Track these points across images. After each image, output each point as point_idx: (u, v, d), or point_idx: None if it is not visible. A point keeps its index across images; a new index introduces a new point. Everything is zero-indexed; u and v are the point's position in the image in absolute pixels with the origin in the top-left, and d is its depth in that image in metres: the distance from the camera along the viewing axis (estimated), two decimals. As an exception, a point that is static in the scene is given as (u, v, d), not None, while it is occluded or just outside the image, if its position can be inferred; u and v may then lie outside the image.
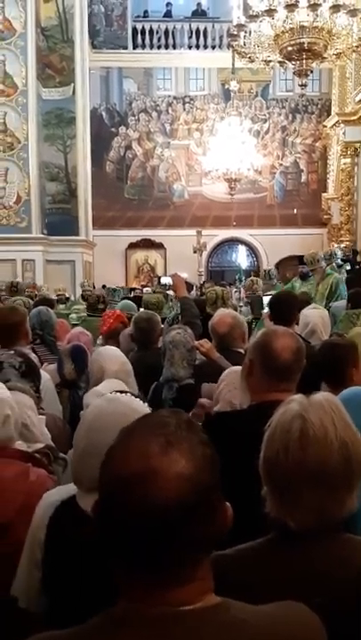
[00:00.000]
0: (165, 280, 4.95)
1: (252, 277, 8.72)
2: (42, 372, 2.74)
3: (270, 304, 3.59)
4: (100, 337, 4.62)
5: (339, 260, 7.89)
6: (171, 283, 4.95)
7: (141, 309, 4.15)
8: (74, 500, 1.33)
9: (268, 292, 6.75)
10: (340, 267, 7.79)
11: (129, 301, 6.47)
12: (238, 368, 2.33)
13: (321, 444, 1.13)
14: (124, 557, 0.80)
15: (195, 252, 12.95)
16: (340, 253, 8.02)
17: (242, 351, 2.86)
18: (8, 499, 1.49)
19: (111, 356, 2.65)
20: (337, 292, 6.72)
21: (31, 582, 1.36)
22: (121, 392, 1.48)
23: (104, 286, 11.39)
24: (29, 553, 1.38)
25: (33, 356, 2.52)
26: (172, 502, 0.75)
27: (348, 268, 7.80)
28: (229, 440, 1.59)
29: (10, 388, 1.81)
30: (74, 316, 7.09)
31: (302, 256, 7.80)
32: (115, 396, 1.42)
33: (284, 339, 1.82)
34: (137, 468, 0.76)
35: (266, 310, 3.87)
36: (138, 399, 1.44)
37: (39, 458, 1.73)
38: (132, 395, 1.50)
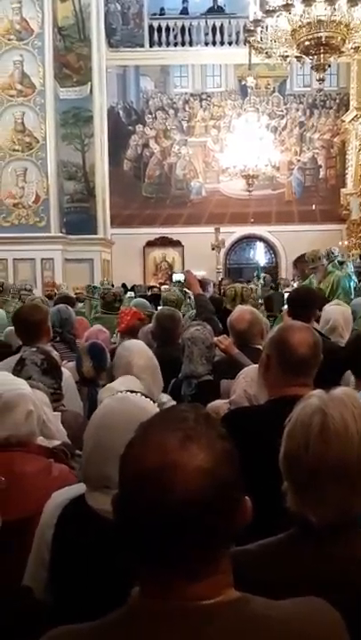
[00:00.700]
0: (178, 277, 4.92)
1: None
2: (63, 369, 2.76)
3: (289, 300, 3.57)
4: (117, 334, 4.64)
5: (339, 258, 7.80)
6: (183, 279, 4.96)
7: (161, 307, 4.15)
8: (82, 498, 1.33)
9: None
10: (341, 264, 7.69)
11: (142, 299, 6.49)
12: (256, 365, 2.33)
13: (342, 438, 1.12)
14: (143, 551, 0.80)
15: (213, 249, 12.90)
16: (337, 251, 7.92)
17: (261, 348, 2.85)
18: (31, 494, 1.51)
19: (139, 351, 2.62)
20: (338, 289, 6.63)
21: (37, 582, 1.35)
22: (132, 392, 1.48)
23: (123, 285, 11.44)
24: (37, 553, 1.38)
25: (55, 354, 2.54)
26: (192, 496, 0.75)
27: (351, 266, 7.69)
28: (246, 435, 1.59)
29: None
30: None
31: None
32: (124, 396, 1.41)
33: (300, 333, 1.81)
34: (156, 462, 0.77)
35: (286, 307, 3.85)
36: (148, 399, 1.44)
37: (61, 454, 1.75)
38: (144, 395, 1.49)
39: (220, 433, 0.83)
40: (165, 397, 2.67)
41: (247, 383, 2.31)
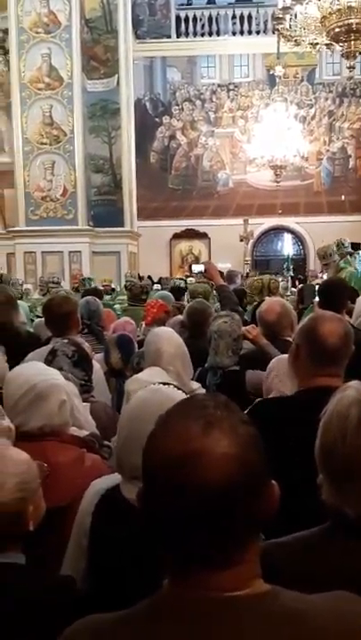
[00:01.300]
0: (198, 268, 4.85)
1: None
2: (93, 361, 2.77)
3: (320, 291, 3.52)
4: (143, 326, 4.64)
5: (349, 249, 7.59)
6: (203, 270, 4.88)
7: (195, 299, 4.13)
8: (118, 488, 1.34)
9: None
10: (350, 254, 7.49)
11: (165, 292, 6.49)
12: (285, 356, 2.31)
13: None
14: (170, 541, 0.80)
15: (241, 240, 12.83)
16: (348, 242, 7.70)
17: (290, 340, 2.82)
18: (65, 483, 1.52)
19: (168, 338, 2.61)
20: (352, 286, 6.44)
21: (77, 568, 1.37)
22: (165, 384, 1.49)
23: (149, 277, 11.48)
24: (76, 540, 1.41)
25: (86, 346, 2.55)
26: (217, 483, 0.75)
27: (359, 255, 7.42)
28: (276, 426, 1.57)
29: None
30: (117, 306, 7.17)
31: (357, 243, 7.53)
32: (157, 387, 1.43)
33: (331, 323, 1.78)
34: (179, 451, 0.76)
35: (317, 299, 3.79)
36: (180, 391, 1.44)
37: (93, 443, 1.76)
38: (176, 387, 1.50)
39: (242, 418, 0.82)
40: (196, 385, 2.67)
41: (282, 383, 2.28)
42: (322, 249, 7.14)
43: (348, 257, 7.34)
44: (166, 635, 0.77)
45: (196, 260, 17.04)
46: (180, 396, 1.40)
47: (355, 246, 7.39)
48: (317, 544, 1.15)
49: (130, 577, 1.21)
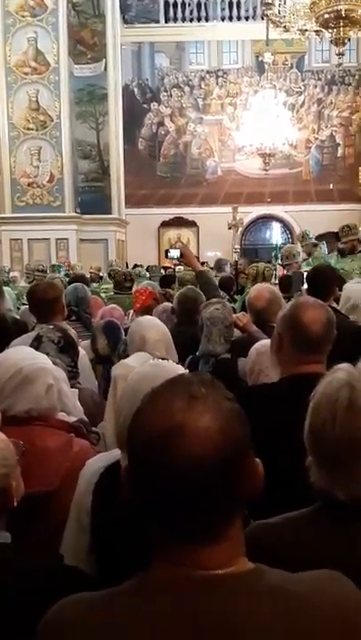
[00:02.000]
0: (173, 253, 4.77)
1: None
2: (79, 348, 2.75)
3: (308, 278, 3.52)
4: (132, 314, 4.63)
5: (313, 240, 7.62)
6: (179, 255, 4.80)
7: (186, 287, 4.08)
8: (118, 465, 1.35)
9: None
10: (315, 245, 7.53)
11: (150, 280, 6.48)
12: (262, 346, 2.32)
13: None
14: (156, 517, 0.80)
15: (230, 228, 12.79)
16: (312, 233, 7.72)
17: (279, 325, 2.82)
18: (53, 468, 1.52)
19: (153, 326, 2.64)
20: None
21: (80, 546, 1.39)
22: (163, 359, 1.51)
23: (135, 265, 11.41)
24: (76, 519, 1.41)
25: (72, 332, 2.53)
26: (201, 456, 0.75)
27: (324, 247, 7.45)
28: (262, 412, 1.57)
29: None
30: (103, 295, 7.15)
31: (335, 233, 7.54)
32: (158, 362, 1.44)
33: (313, 311, 1.78)
34: (163, 425, 0.76)
35: (305, 286, 3.80)
36: (180, 366, 1.46)
37: (82, 429, 1.75)
38: None
39: (226, 395, 0.82)
40: (182, 370, 2.66)
41: (268, 378, 2.28)
42: (286, 249, 7.15)
43: (314, 248, 7.40)
44: (151, 613, 0.77)
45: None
46: (180, 368, 1.40)
47: (356, 225, 7.38)
48: (306, 525, 1.15)
49: (134, 552, 1.20)
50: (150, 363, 1.44)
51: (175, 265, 13.04)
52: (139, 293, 4.79)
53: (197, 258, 4.65)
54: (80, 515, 1.40)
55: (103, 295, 7.01)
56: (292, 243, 17.10)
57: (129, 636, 0.76)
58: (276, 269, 10.00)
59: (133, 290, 5.94)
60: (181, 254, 4.64)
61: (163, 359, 1.49)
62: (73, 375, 2.44)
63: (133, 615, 0.77)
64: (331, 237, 7.61)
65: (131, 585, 0.81)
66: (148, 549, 0.83)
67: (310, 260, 7.07)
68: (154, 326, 2.63)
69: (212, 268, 8.04)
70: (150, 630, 0.76)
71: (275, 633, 0.76)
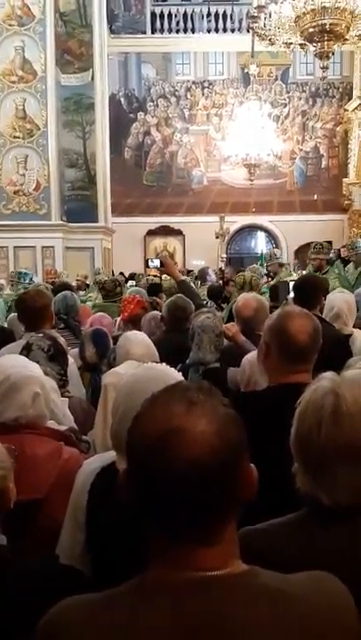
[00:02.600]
0: (154, 263, 4.75)
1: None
2: (68, 356, 2.75)
3: (295, 287, 3.56)
4: (118, 321, 4.62)
5: (281, 260, 7.86)
6: (159, 265, 4.80)
7: (176, 295, 4.10)
8: (113, 466, 1.37)
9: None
10: (281, 266, 7.74)
11: (138, 288, 6.47)
12: (254, 357, 2.35)
13: (355, 419, 1.12)
14: (156, 518, 0.81)
15: (217, 237, 12.85)
16: (279, 253, 7.89)
17: (266, 335, 2.85)
18: (42, 475, 1.52)
19: (138, 341, 2.68)
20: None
21: (75, 544, 1.41)
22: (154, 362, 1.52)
23: (121, 273, 11.41)
24: (73, 518, 1.43)
25: (61, 340, 2.54)
26: (199, 459, 0.77)
27: (290, 267, 7.74)
28: (249, 419, 1.59)
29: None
30: (89, 303, 7.14)
31: (325, 242, 7.66)
32: (151, 365, 1.48)
33: (300, 320, 1.80)
34: (162, 429, 0.78)
35: (292, 295, 3.83)
36: (173, 369, 1.49)
37: (71, 437, 1.75)
38: None
39: (223, 401, 0.85)
40: (174, 373, 2.70)
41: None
42: (240, 278, 6.98)
43: (280, 268, 7.57)
44: (149, 615, 0.78)
45: (171, 257, 17.04)
46: (173, 372, 1.43)
47: (329, 245, 7.52)
48: (294, 530, 1.17)
49: (129, 552, 1.21)
50: (144, 366, 1.47)
51: (162, 273, 13.07)
52: (127, 302, 4.78)
53: (184, 266, 4.67)
54: (76, 513, 1.43)
55: (89, 303, 6.99)
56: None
57: (127, 638, 0.77)
58: (263, 278, 10.09)
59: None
60: (162, 264, 4.65)
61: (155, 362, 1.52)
62: (62, 384, 2.44)
63: (131, 617, 0.78)
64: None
65: (128, 586, 0.83)
66: (144, 549, 0.84)
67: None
68: (139, 341, 2.67)
69: (197, 278, 8.09)
70: (148, 632, 0.77)
71: (270, 634, 0.77)
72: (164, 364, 1.50)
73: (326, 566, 0.93)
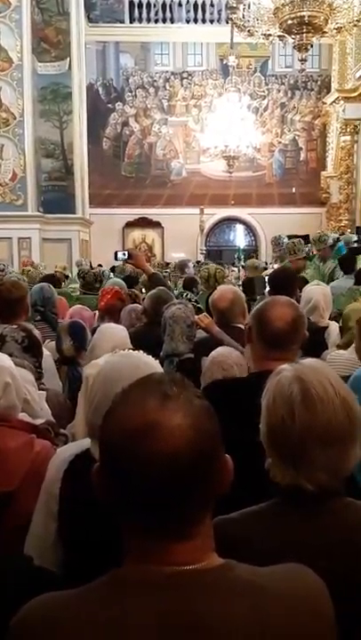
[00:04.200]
0: (122, 256, 4.72)
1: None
2: (43, 349, 2.73)
3: (270, 280, 3.58)
4: (97, 313, 4.59)
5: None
6: (126, 258, 4.77)
7: (158, 287, 4.08)
8: (88, 452, 1.36)
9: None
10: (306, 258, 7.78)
11: (118, 279, 6.44)
12: (219, 355, 2.37)
13: (325, 403, 1.14)
14: (131, 513, 0.80)
15: (202, 230, 12.85)
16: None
17: (242, 327, 2.86)
18: (13, 468, 1.50)
19: (111, 334, 2.67)
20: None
21: (47, 534, 1.40)
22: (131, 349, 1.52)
23: (100, 265, 11.33)
24: (45, 505, 1.42)
25: (36, 332, 2.51)
26: (176, 452, 0.76)
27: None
28: (225, 407, 1.59)
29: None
30: (72, 294, 7.06)
31: (304, 235, 7.71)
32: (128, 352, 1.47)
33: (281, 307, 1.82)
34: (138, 423, 0.78)
35: (268, 289, 3.85)
36: (149, 356, 1.48)
37: (43, 429, 1.73)
38: None
39: (197, 393, 0.85)
40: (150, 360, 2.70)
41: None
42: (205, 271, 6.73)
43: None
44: (123, 611, 0.77)
45: (150, 250, 16.99)
46: (150, 359, 1.42)
47: (305, 238, 7.55)
48: (268, 518, 1.17)
49: (101, 542, 1.20)
50: (121, 353, 1.46)
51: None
52: (105, 292, 4.75)
53: (163, 259, 4.65)
54: (49, 501, 1.41)
55: (72, 295, 6.93)
56: (256, 245, 17.33)
57: (101, 635, 0.76)
58: (240, 271, 10.12)
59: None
60: (130, 256, 4.59)
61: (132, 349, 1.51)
62: (38, 376, 2.41)
63: (105, 613, 0.77)
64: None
65: (102, 582, 0.82)
66: (119, 540, 0.83)
67: None
68: (111, 335, 2.66)
69: (175, 269, 8.06)
70: (122, 629, 0.76)
71: (246, 628, 0.77)
72: (140, 351, 1.49)
73: (297, 554, 0.94)
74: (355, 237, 7.35)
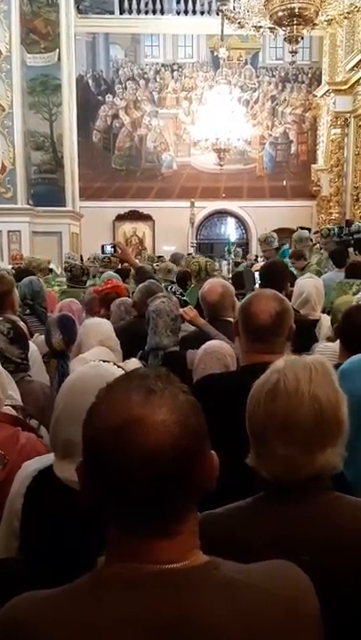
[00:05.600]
0: (107, 249, 4.66)
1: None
2: (30, 342, 2.71)
3: (261, 273, 3.57)
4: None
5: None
6: (112, 251, 4.72)
7: (148, 280, 4.06)
8: (51, 468, 1.32)
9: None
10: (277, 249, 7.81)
11: (113, 272, 6.42)
12: (210, 347, 2.37)
13: (291, 396, 1.14)
14: (115, 510, 0.79)
15: (192, 223, 12.82)
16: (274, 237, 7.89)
17: (231, 320, 2.85)
18: (-2, 461, 1.48)
19: (96, 330, 2.65)
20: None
21: (7, 552, 1.36)
22: (105, 361, 1.48)
23: (89, 259, 11.27)
24: (7, 522, 1.38)
25: (22, 324, 2.49)
26: (161, 447, 0.75)
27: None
28: (215, 401, 1.59)
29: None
30: (56, 288, 7.03)
31: (271, 232, 7.75)
32: (97, 363, 1.43)
33: (266, 301, 1.82)
34: (122, 419, 0.76)
35: (258, 284, 3.85)
36: (120, 368, 1.44)
37: (28, 423, 1.72)
38: (116, 365, 1.49)
39: (182, 387, 0.83)
40: (136, 363, 2.67)
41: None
42: (195, 265, 6.88)
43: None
44: (106, 608, 0.76)
45: (141, 243, 16.94)
46: (120, 371, 1.39)
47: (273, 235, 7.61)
48: (253, 514, 1.17)
49: (63, 556, 1.18)
50: (91, 364, 1.43)
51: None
52: (107, 282, 4.72)
53: (154, 252, 4.64)
54: (10, 519, 1.37)
55: (57, 288, 6.89)
56: (247, 238, 17.33)
57: (83, 635, 0.75)
58: (231, 264, 10.11)
59: (88, 284, 5.86)
60: (115, 249, 4.55)
61: (105, 361, 1.47)
62: (24, 368, 2.40)
63: (88, 613, 0.76)
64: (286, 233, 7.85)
65: (82, 582, 0.81)
66: (92, 550, 0.82)
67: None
68: (95, 330, 2.64)
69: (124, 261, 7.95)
70: (103, 629, 0.75)
71: (231, 626, 0.76)
72: (112, 363, 1.45)
73: (278, 549, 0.94)
74: (306, 234, 7.40)
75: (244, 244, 16.43)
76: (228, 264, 10.61)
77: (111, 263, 7.33)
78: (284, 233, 11.54)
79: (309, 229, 7.82)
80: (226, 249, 12.44)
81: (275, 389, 1.15)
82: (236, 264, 10.00)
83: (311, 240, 7.58)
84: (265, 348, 1.74)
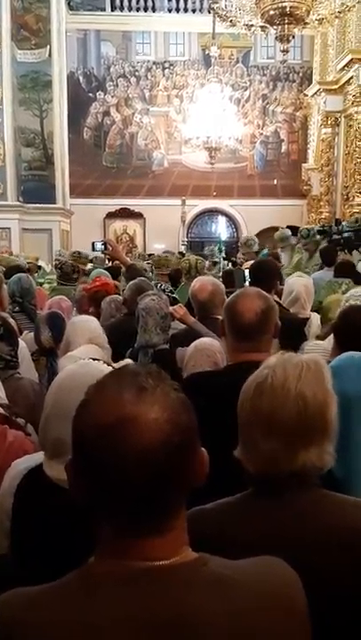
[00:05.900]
0: (99, 246, 4.63)
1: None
2: (19, 340, 2.70)
3: (251, 271, 3.57)
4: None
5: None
6: (103, 248, 4.71)
7: (139, 277, 4.06)
8: (42, 467, 1.32)
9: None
10: (258, 253, 7.91)
11: (102, 270, 6.39)
12: (201, 344, 2.37)
13: (276, 392, 1.14)
14: (105, 508, 0.79)
15: (183, 221, 12.81)
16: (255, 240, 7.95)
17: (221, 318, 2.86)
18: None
19: (83, 328, 2.66)
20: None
21: None
22: (94, 359, 1.48)
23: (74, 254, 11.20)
24: None
25: (11, 321, 2.47)
26: (153, 445, 0.75)
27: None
28: (202, 399, 1.59)
29: None
30: (46, 285, 6.99)
31: (250, 237, 7.83)
32: (87, 362, 1.42)
33: (251, 300, 1.82)
34: (114, 416, 0.76)
35: (247, 282, 3.85)
36: (109, 366, 1.43)
37: (16, 420, 1.71)
38: (106, 363, 1.49)
39: (173, 385, 0.83)
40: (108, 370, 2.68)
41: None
42: (186, 262, 6.76)
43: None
44: (98, 606, 0.76)
45: (132, 241, 16.90)
46: (108, 369, 1.38)
47: (293, 230, 7.60)
48: (242, 510, 1.17)
49: (54, 555, 1.18)
50: (80, 362, 1.43)
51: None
52: (96, 279, 4.70)
53: (145, 250, 4.64)
54: (1, 516, 1.37)
55: (47, 285, 6.86)
56: (237, 237, 17.34)
57: (84, 635, 0.75)
58: (221, 262, 10.10)
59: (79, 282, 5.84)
60: (106, 246, 4.54)
61: (95, 359, 1.47)
62: (13, 365, 2.39)
63: (76, 611, 0.76)
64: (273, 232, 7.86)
65: (70, 579, 0.80)
66: (83, 548, 0.81)
67: None
68: (82, 329, 2.64)
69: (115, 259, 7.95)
70: (92, 627, 0.75)
71: (219, 623, 0.76)
72: (101, 361, 1.44)
73: (266, 545, 0.94)
74: (288, 233, 7.46)
75: (234, 243, 16.43)
76: (219, 262, 10.59)
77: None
78: (274, 232, 11.58)
79: (298, 228, 7.80)
80: (216, 248, 12.42)
81: (263, 384, 1.16)
82: (234, 263, 10.00)
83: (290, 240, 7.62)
84: (251, 347, 1.74)
